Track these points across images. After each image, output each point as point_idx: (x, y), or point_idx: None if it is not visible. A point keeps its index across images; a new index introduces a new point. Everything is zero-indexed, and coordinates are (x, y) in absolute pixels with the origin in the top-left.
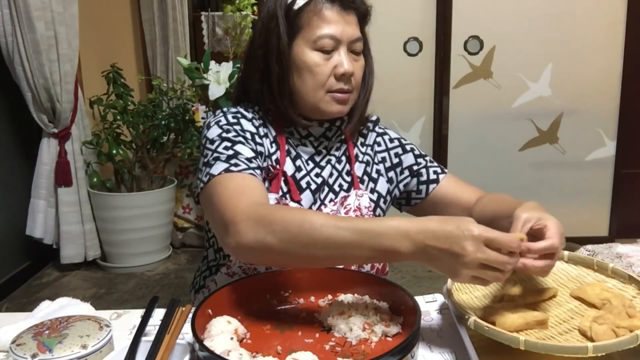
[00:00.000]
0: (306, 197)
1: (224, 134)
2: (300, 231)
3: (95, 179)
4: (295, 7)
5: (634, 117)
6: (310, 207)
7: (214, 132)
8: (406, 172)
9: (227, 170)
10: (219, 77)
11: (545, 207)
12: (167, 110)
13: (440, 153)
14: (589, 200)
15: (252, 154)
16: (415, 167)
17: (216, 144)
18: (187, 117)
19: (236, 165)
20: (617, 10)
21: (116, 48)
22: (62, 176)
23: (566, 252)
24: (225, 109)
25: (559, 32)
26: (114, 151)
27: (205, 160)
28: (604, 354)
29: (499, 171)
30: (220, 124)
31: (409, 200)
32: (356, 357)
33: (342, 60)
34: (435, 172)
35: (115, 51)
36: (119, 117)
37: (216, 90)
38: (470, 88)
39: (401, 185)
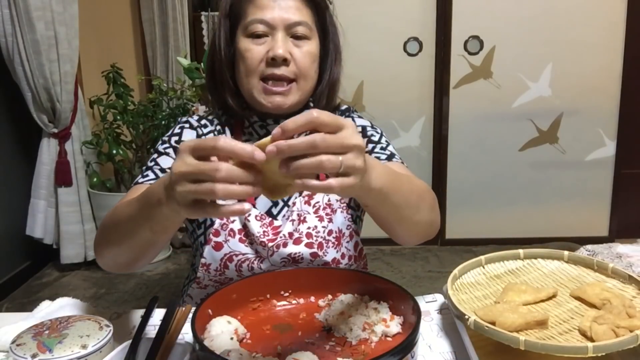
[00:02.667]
0: (261, 201)
1: (159, 147)
2: (110, 223)
3: (95, 179)
4: None
5: (634, 117)
6: (269, 210)
7: (156, 145)
8: None
9: (136, 182)
10: None
11: (545, 207)
12: (167, 110)
13: (440, 153)
14: (589, 200)
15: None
16: None
17: (151, 156)
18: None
19: (146, 176)
20: (617, 10)
21: (116, 48)
22: (62, 176)
23: (566, 252)
24: (180, 119)
25: (559, 32)
26: (114, 151)
27: None
28: (604, 354)
29: (499, 171)
30: (164, 137)
31: None
32: (356, 357)
33: (275, 44)
34: (376, 159)
35: (115, 51)
36: (119, 117)
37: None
38: (470, 88)
39: None
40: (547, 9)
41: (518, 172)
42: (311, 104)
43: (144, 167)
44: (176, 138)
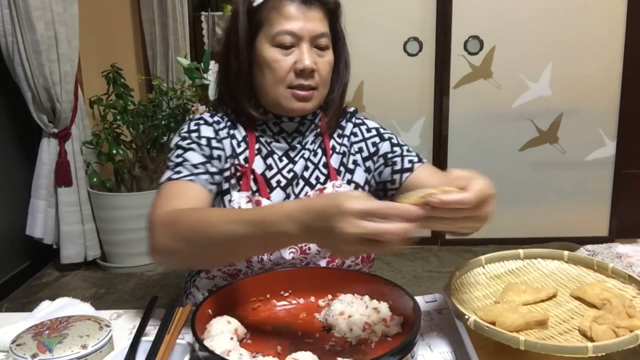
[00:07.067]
0: (277, 195)
1: (180, 142)
2: (197, 232)
3: (95, 179)
4: (255, 3)
5: (634, 117)
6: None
7: (174, 141)
8: (381, 160)
9: (169, 179)
10: None
11: (545, 207)
12: (167, 110)
13: (440, 153)
14: (589, 200)
15: (201, 160)
16: (390, 155)
17: (172, 152)
18: (187, 117)
19: (179, 172)
20: (617, 10)
21: (116, 48)
22: (62, 176)
23: (566, 252)
24: (191, 117)
25: (559, 32)
26: (114, 151)
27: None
28: (604, 354)
29: (499, 171)
30: (182, 133)
31: (385, 190)
32: (356, 357)
33: (302, 56)
34: (410, 161)
35: (115, 51)
36: (119, 117)
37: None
38: (470, 88)
39: (377, 174)
40: (547, 9)
41: (518, 172)
42: (321, 107)
43: (172, 164)
44: (196, 134)
